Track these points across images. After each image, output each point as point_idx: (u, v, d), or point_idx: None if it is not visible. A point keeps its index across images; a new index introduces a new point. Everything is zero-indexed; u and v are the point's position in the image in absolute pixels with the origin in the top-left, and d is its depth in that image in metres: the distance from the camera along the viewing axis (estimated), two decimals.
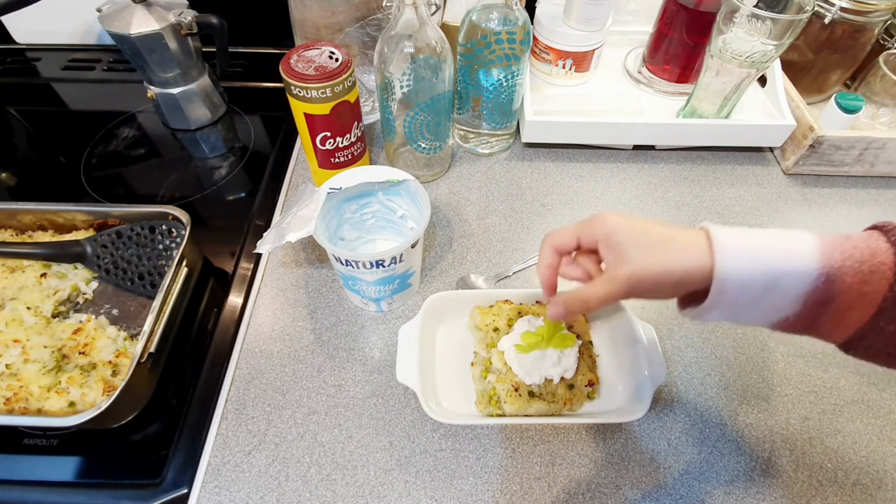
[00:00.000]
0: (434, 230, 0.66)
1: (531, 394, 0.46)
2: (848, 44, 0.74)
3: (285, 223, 0.51)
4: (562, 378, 0.47)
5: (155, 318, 0.49)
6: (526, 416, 0.46)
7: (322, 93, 0.54)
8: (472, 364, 0.51)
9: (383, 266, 0.49)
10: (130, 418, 0.49)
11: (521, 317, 0.50)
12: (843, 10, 0.69)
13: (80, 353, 0.50)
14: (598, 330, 0.54)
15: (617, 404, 0.48)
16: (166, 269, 0.54)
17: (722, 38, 0.63)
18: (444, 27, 0.73)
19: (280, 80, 0.55)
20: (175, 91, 0.74)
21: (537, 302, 0.53)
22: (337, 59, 0.56)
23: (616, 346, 0.52)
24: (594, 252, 0.38)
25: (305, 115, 0.57)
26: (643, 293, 0.35)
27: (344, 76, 0.55)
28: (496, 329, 0.50)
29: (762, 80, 0.78)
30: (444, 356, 0.52)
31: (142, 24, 0.66)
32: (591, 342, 0.51)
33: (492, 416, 0.46)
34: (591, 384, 0.48)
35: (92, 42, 0.93)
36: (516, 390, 0.46)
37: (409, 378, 0.46)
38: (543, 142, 0.76)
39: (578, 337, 0.50)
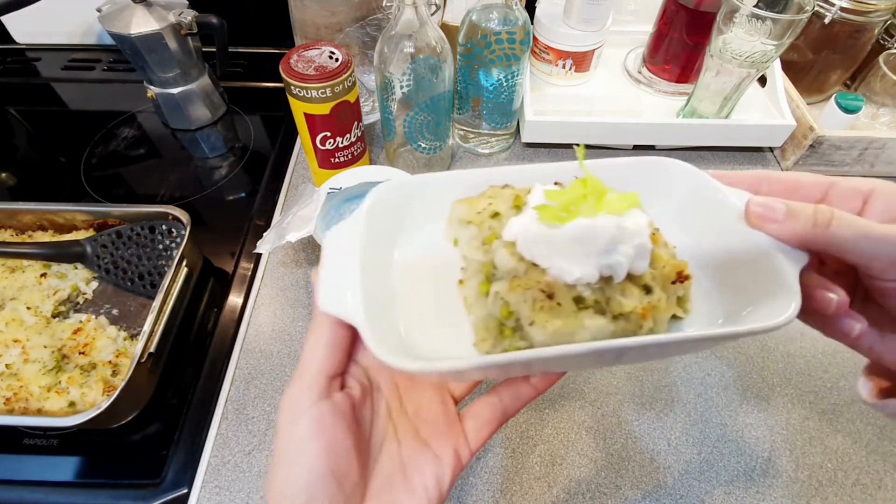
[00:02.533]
0: None
1: (579, 301, 0.28)
2: (848, 44, 0.74)
3: (285, 223, 0.51)
4: (629, 274, 0.29)
5: (155, 318, 0.49)
6: (575, 343, 0.27)
7: (322, 93, 0.54)
8: (459, 283, 0.32)
9: None
10: (130, 418, 0.49)
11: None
12: (843, 10, 0.69)
13: (80, 353, 0.50)
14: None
15: (721, 319, 0.31)
16: (166, 269, 0.54)
17: (722, 38, 0.63)
18: (444, 27, 0.73)
19: (280, 80, 0.55)
20: (175, 91, 0.74)
21: (556, 184, 0.34)
22: (337, 59, 0.56)
23: (694, 234, 0.35)
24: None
25: (305, 115, 0.57)
26: None
27: (344, 76, 0.55)
28: (496, 214, 0.32)
29: (762, 80, 0.78)
30: (412, 282, 0.34)
31: (142, 24, 0.66)
32: (655, 228, 0.32)
33: (518, 349, 0.28)
34: (680, 278, 0.30)
35: (92, 42, 0.93)
36: (550, 297, 0.27)
37: (340, 303, 0.28)
38: (543, 142, 0.76)
39: None
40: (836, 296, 0.27)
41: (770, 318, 0.27)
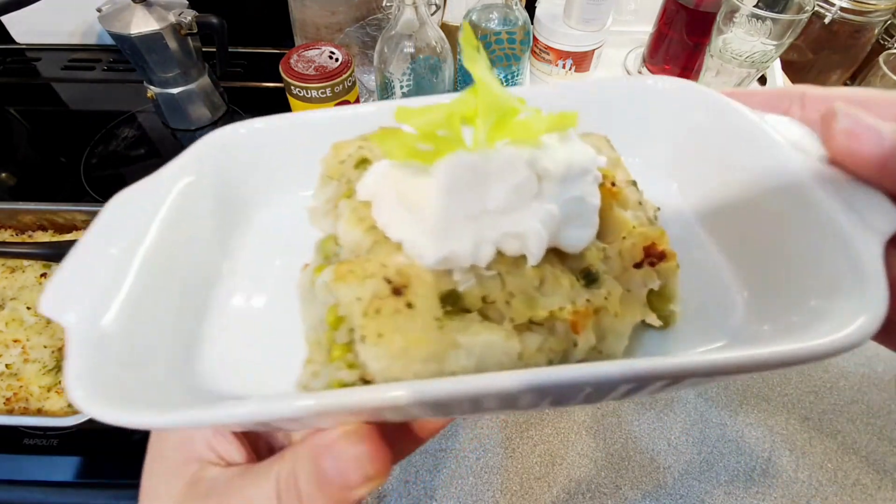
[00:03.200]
0: None
1: (451, 300, 0.18)
2: (848, 44, 0.74)
3: None
4: (555, 255, 0.19)
5: None
6: (451, 373, 0.17)
7: (322, 93, 0.54)
8: (303, 268, 0.23)
9: None
10: None
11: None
12: (843, 10, 0.69)
13: None
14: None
15: (732, 330, 0.21)
16: None
17: (722, 38, 0.63)
18: (444, 27, 0.73)
19: (280, 80, 0.55)
20: (175, 91, 0.74)
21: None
22: (337, 59, 0.56)
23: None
24: None
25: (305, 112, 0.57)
26: None
27: (344, 76, 0.55)
28: (362, 161, 0.23)
29: (762, 80, 0.78)
30: (260, 265, 0.25)
31: (142, 24, 0.66)
32: (634, 183, 0.22)
33: (342, 384, 0.18)
34: (649, 258, 0.19)
35: (92, 42, 0.93)
36: (397, 293, 0.18)
37: (67, 303, 0.20)
38: None
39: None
40: None
41: (833, 328, 0.15)
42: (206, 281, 0.24)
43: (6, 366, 0.49)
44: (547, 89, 0.24)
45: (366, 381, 0.17)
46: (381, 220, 0.19)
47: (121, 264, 0.20)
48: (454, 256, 0.17)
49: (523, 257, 0.18)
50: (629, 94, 0.25)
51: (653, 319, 0.20)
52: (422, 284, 0.17)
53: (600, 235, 0.20)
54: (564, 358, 0.18)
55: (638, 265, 0.19)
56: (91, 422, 0.43)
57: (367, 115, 0.25)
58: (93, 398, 0.17)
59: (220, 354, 0.22)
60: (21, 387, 0.47)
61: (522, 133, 0.18)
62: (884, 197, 0.18)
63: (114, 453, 0.49)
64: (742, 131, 0.22)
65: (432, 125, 0.17)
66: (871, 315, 0.15)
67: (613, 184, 0.21)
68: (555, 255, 0.18)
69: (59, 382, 0.48)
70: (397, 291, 0.17)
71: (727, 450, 0.49)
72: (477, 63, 0.18)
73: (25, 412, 0.46)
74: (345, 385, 0.17)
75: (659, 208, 0.23)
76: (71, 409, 0.47)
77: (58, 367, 0.49)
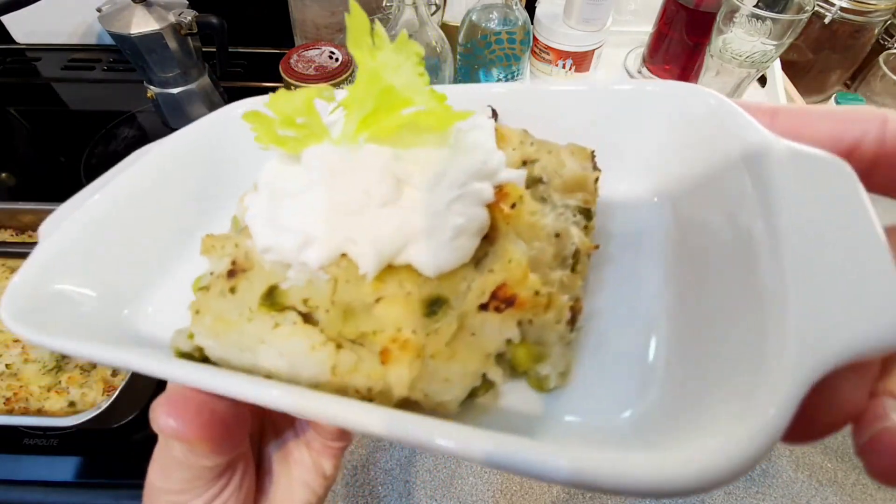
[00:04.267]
0: None
1: (273, 299, 0.18)
2: (848, 44, 0.74)
3: None
4: (411, 274, 0.17)
5: None
6: (266, 376, 0.17)
7: None
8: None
9: None
10: (130, 418, 0.49)
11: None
12: (843, 10, 0.69)
13: None
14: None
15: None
16: None
17: (722, 38, 0.63)
18: (444, 27, 0.73)
19: (280, 79, 0.55)
20: (175, 91, 0.74)
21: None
22: (337, 59, 0.56)
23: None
24: None
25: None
26: None
27: (344, 76, 0.55)
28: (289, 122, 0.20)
29: (762, 80, 0.78)
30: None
31: (142, 24, 0.66)
32: (587, 212, 0.21)
33: (179, 354, 0.19)
34: (504, 299, 0.17)
35: (92, 42, 0.93)
36: (231, 275, 0.18)
37: (52, 224, 0.23)
38: None
39: (523, 164, 0.21)
40: None
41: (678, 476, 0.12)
42: (177, 244, 0.24)
43: (6, 366, 0.49)
44: (538, 92, 0.23)
45: (199, 351, 0.18)
46: (246, 201, 0.19)
47: (108, 208, 0.22)
48: (280, 248, 0.16)
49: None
50: (623, 101, 0.23)
51: (496, 376, 0.17)
52: (259, 272, 0.17)
53: (478, 263, 0.17)
54: (385, 390, 0.16)
55: (483, 307, 0.16)
56: (91, 422, 0.43)
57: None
58: (19, 316, 0.18)
59: (164, 308, 0.23)
60: (21, 387, 0.47)
61: (394, 134, 0.16)
62: (872, 222, 0.14)
63: (114, 453, 0.49)
64: (742, 163, 0.17)
65: (292, 111, 0.17)
66: (735, 460, 0.12)
67: (514, 205, 0.17)
68: (409, 274, 0.16)
69: (59, 382, 0.48)
70: (231, 273, 0.17)
71: None
72: (362, 47, 0.17)
73: (25, 412, 0.46)
74: (181, 353, 0.19)
75: (597, 246, 0.19)
76: (71, 409, 0.47)
77: (58, 367, 0.49)
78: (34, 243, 0.63)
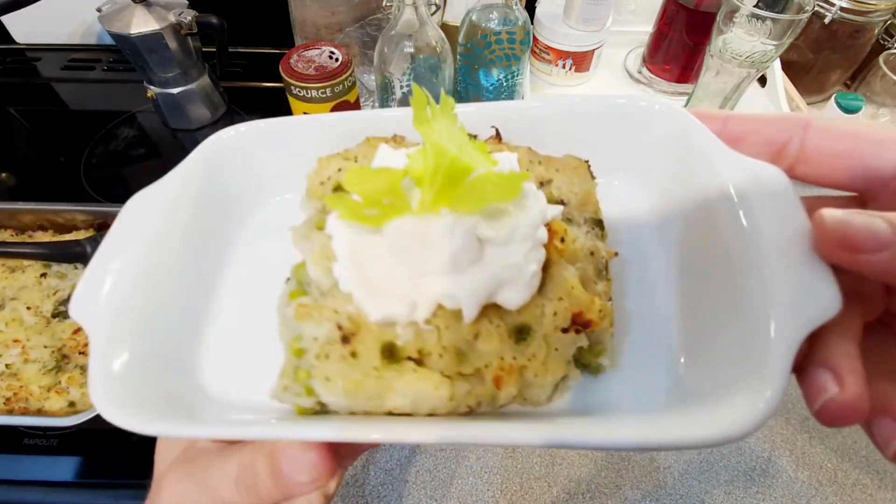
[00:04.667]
0: None
1: (389, 352, 0.20)
2: (848, 44, 0.74)
3: None
4: (495, 309, 0.20)
5: None
6: (387, 413, 0.20)
7: (322, 93, 0.54)
8: (286, 281, 0.24)
9: None
10: None
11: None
12: (843, 10, 0.69)
13: (80, 353, 0.50)
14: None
15: (656, 388, 0.22)
16: None
17: (722, 38, 0.63)
18: (444, 27, 0.73)
19: (280, 80, 0.55)
20: (175, 91, 0.74)
21: (496, 137, 0.25)
22: (337, 59, 0.56)
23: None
24: None
25: (306, 115, 0.57)
26: None
27: (344, 76, 0.55)
28: (339, 187, 0.24)
29: (762, 80, 0.78)
30: (249, 272, 0.26)
31: (142, 24, 0.66)
32: (599, 223, 0.24)
33: (301, 411, 0.22)
34: (582, 323, 0.20)
35: (92, 42, 0.93)
36: (346, 341, 0.20)
37: (89, 306, 0.21)
38: None
39: (541, 185, 0.24)
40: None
41: (718, 418, 0.17)
42: (205, 287, 0.25)
43: (6, 366, 0.49)
44: (533, 105, 0.25)
45: (321, 405, 0.21)
46: (336, 271, 0.21)
47: (130, 275, 0.22)
48: (393, 315, 0.19)
49: (461, 310, 0.20)
50: (611, 113, 0.26)
51: (575, 376, 0.21)
52: (368, 333, 0.20)
53: (542, 290, 0.20)
54: (491, 401, 0.20)
55: (565, 330, 0.20)
56: (91, 422, 0.43)
57: (351, 121, 0.27)
58: (122, 411, 0.19)
59: (218, 360, 0.24)
60: (21, 387, 0.47)
61: (469, 200, 0.19)
62: (830, 281, 0.17)
63: (114, 453, 0.49)
64: (714, 171, 0.21)
65: (377, 193, 0.19)
66: (751, 417, 0.17)
67: (563, 240, 0.21)
68: (494, 309, 0.20)
69: (59, 382, 0.48)
70: (346, 339, 0.20)
71: (727, 450, 0.49)
72: (428, 124, 0.19)
73: (25, 412, 0.46)
74: (303, 410, 0.21)
75: (616, 254, 0.23)
76: (71, 409, 0.47)
77: (58, 367, 0.49)
78: (34, 243, 0.63)
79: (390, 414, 0.20)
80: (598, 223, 0.24)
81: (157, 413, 0.20)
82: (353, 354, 0.20)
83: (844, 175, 0.20)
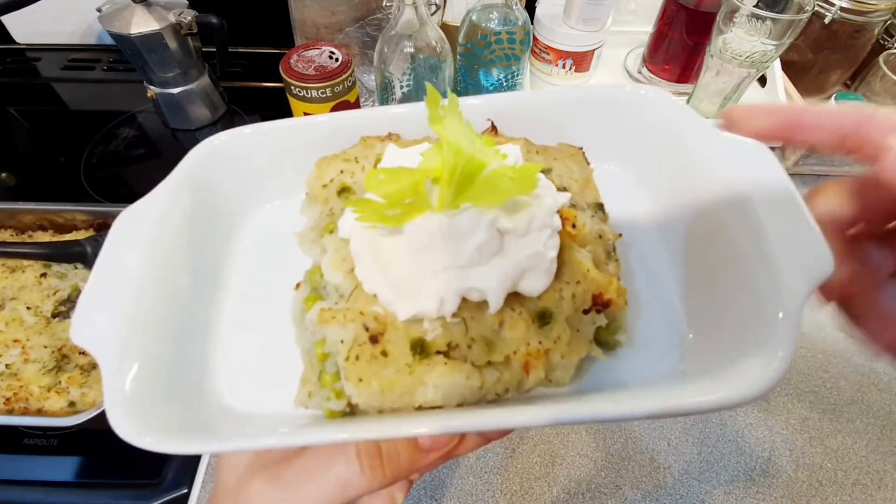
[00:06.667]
0: None
1: (419, 348, 0.20)
2: (848, 44, 0.74)
3: None
4: (516, 297, 0.20)
5: None
6: (418, 408, 0.20)
7: (322, 92, 0.54)
8: (296, 287, 0.24)
9: None
10: None
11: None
12: (843, 10, 0.69)
13: (80, 353, 0.50)
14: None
15: (667, 365, 0.22)
16: None
17: (722, 38, 0.63)
18: (444, 27, 0.73)
19: (280, 80, 0.55)
20: (175, 91, 0.74)
21: (492, 130, 0.24)
22: (337, 59, 0.56)
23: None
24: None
25: (305, 114, 0.57)
26: None
27: (344, 76, 0.55)
28: (345, 189, 0.23)
29: (762, 80, 0.78)
30: (253, 280, 0.26)
31: (142, 24, 0.66)
32: (601, 207, 0.24)
33: (331, 415, 0.21)
34: (602, 303, 0.21)
35: (92, 42, 0.93)
36: (374, 341, 0.20)
37: (92, 330, 0.20)
38: None
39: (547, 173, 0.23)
40: None
41: (734, 382, 0.18)
42: (206, 298, 0.25)
43: (6, 366, 0.49)
44: (528, 97, 0.25)
45: (351, 407, 0.21)
46: (359, 274, 0.21)
47: (126, 279, 0.22)
48: (423, 312, 0.20)
49: (486, 301, 0.20)
50: (606, 102, 0.26)
51: (597, 354, 0.22)
52: (395, 331, 0.20)
53: (558, 275, 0.21)
54: (519, 386, 0.21)
55: (586, 311, 0.21)
56: (91, 422, 0.43)
57: (344, 120, 0.27)
58: (140, 431, 0.19)
59: (230, 372, 0.24)
60: (21, 387, 0.47)
61: (489, 195, 0.19)
62: (823, 243, 0.18)
63: (114, 453, 0.49)
64: (701, 150, 0.23)
65: (401, 194, 0.19)
66: (764, 379, 0.18)
67: (574, 225, 0.22)
68: (515, 297, 0.21)
69: (59, 382, 0.48)
70: (374, 339, 0.20)
71: (727, 450, 0.49)
72: (442, 123, 0.19)
73: (25, 412, 0.46)
74: (334, 413, 0.21)
75: (621, 235, 0.24)
76: (71, 409, 0.47)
77: (58, 367, 0.49)
78: (34, 243, 0.63)
79: (420, 409, 0.20)
80: (600, 207, 0.25)
81: (192, 433, 0.20)
82: (384, 353, 0.20)
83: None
